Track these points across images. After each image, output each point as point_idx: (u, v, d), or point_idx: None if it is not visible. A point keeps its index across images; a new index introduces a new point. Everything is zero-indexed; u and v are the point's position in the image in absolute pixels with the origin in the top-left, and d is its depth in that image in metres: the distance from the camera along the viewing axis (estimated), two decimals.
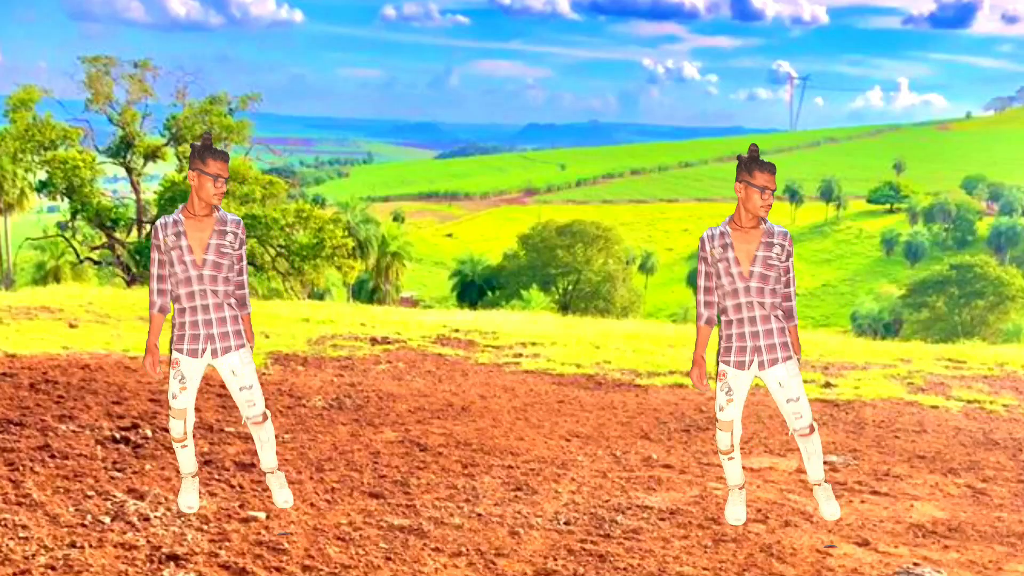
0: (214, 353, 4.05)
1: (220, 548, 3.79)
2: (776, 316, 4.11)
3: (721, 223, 4.15)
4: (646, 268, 78.26)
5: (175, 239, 4.01)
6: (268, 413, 4.27)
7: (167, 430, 5.47)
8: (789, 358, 4.13)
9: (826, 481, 4.47)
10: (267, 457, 4.36)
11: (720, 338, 4.19)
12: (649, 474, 5.34)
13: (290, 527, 4.11)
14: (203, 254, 4.01)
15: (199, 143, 4.06)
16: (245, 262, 4.19)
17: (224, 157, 4.04)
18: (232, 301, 4.10)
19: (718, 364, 4.18)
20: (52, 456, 4.85)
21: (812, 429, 4.22)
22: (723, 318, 4.15)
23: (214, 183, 3.98)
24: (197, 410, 5.06)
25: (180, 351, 4.04)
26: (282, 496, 4.38)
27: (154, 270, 4.07)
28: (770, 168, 4.03)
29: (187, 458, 4.23)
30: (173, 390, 4.07)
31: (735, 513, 4.44)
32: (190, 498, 4.23)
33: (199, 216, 4.03)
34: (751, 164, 4.03)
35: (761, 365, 4.11)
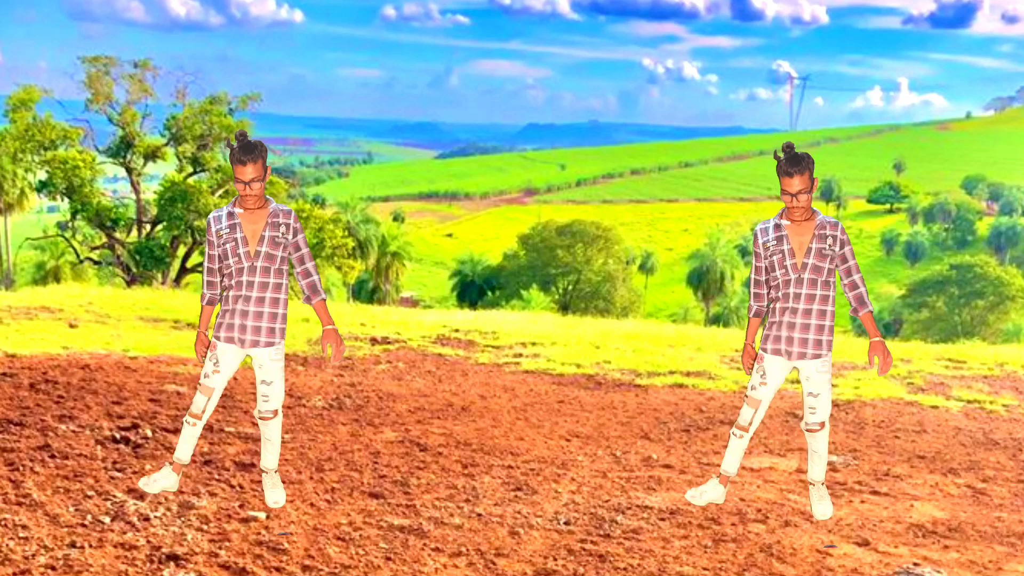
0: (243, 343, 4.14)
1: (220, 548, 3.79)
2: (822, 311, 4.21)
3: (775, 216, 4.29)
4: (646, 268, 78.21)
5: (229, 231, 4.10)
6: (280, 412, 4.32)
7: (167, 430, 5.49)
8: (819, 356, 4.24)
9: (823, 484, 4.52)
10: (269, 456, 4.39)
11: (765, 324, 4.35)
12: (649, 474, 5.34)
13: (290, 527, 4.11)
14: (257, 246, 4.09)
15: (230, 147, 4.08)
16: (307, 250, 4.22)
17: (253, 158, 4.00)
18: (282, 296, 4.15)
19: (760, 348, 4.34)
20: (52, 456, 4.84)
21: (822, 426, 4.35)
22: (771, 307, 4.30)
23: (244, 187, 4.03)
24: None
25: (219, 338, 4.15)
26: (273, 496, 4.39)
27: (207, 264, 4.20)
28: (798, 170, 4.08)
29: (189, 441, 4.26)
30: (206, 370, 4.17)
31: (699, 492, 4.58)
32: (159, 483, 4.26)
33: (251, 209, 4.11)
34: (779, 169, 4.13)
35: (791, 355, 4.25)
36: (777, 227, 4.24)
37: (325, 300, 4.31)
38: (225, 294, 4.15)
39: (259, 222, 4.10)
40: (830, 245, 4.18)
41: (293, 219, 4.16)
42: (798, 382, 4.60)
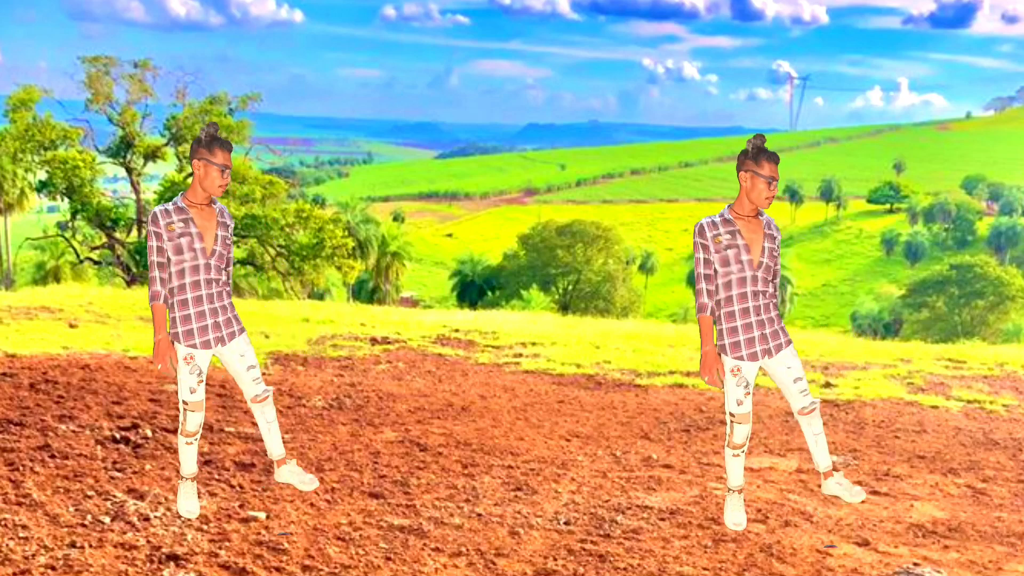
0: (221, 341, 4.08)
1: (220, 548, 3.79)
2: (774, 304, 4.15)
3: (718, 212, 4.13)
4: (646, 268, 78.27)
5: (183, 226, 3.98)
6: (271, 389, 4.36)
7: (167, 430, 5.48)
8: (790, 341, 4.20)
9: (834, 470, 4.50)
10: (274, 442, 4.42)
11: (723, 332, 4.11)
12: (649, 474, 5.34)
13: (290, 527, 4.11)
14: (213, 244, 4.03)
15: (207, 133, 4.03)
16: (232, 252, 4.23)
17: (229, 147, 4.04)
18: (228, 288, 4.16)
19: (728, 359, 4.11)
20: (52, 456, 4.84)
21: (816, 404, 4.30)
22: (725, 310, 4.08)
23: (221, 173, 3.98)
24: None
25: (194, 345, 4.01)
26: (305, 480, 4.46)
27: (154, 258, 3.99)
28: (775, 159, 4.03)
29: (191, 457, 4.23)
30: (190, 384, 4.04)
31: (735, 517, 4.39)
32: (190, 503, 4.18)
33: (201, 205, 4.03)
34: (759, 154, 4.01)
35: (769, 353, 4.13)
36: (727, 222, 4.06)
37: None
38: (180, 298, 3.98)
39: (210, 219, 4.03)
40: (777, 245, 4.11)
41: (231, 219, 4.17)
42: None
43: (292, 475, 4.49)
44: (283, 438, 5.58)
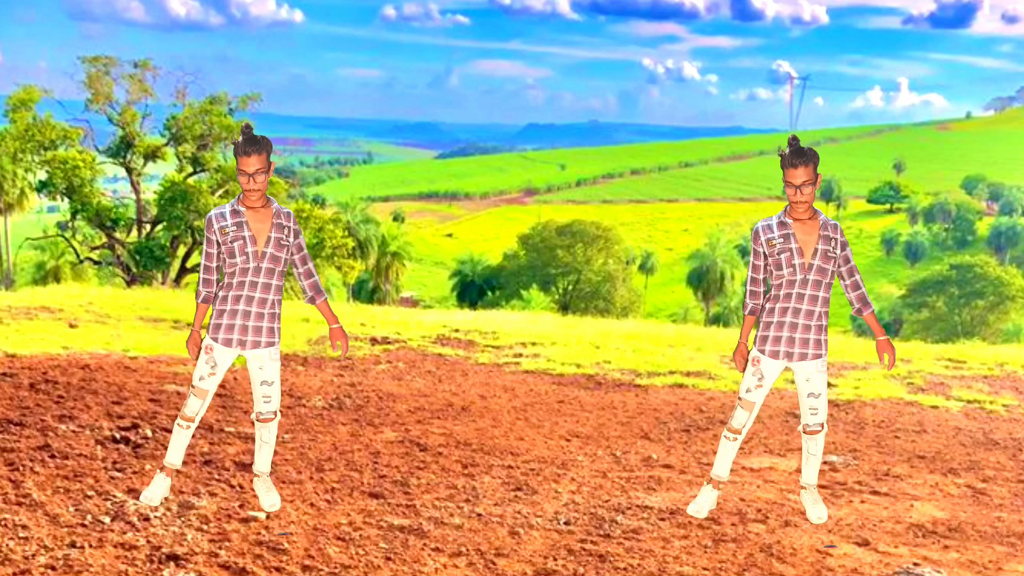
0: (243, 345, 4.10)
1: (220, 548, 3.79)
2: (822, 312, 4.18)
3: (776, 215, 4.21)
4: (646, 268, 78.21)
5: (236, 229, 4.02)
6: (279, 415, 4.33)
7: (167, 430, 5.48)
8: (819, 356, 4.21)
9: (816, 487, 4.52)
10: (263, 459, 4.38)
11: (759, 325, 4.26)
12: (649, 474, 5.34)
13: (290, 527, 4.11)
14: (264, 246, 4.05)
15: (236, 138, 4.05)
16: (307, 251, 4.24)
17: (257, 150, 3.96)
18: (278, 298, 4.15)
19: (754, 349, 4.27)
20: (52, 456, 4.84)
21: (822, 427, 4.34)
22: (770, 305, 4.20)
23: (248, 179, 3.98)
24: None
25: (216, 339, 4.09)
26: (269, 500, 4.35)
27: (207, 262, 4.10)
28: (802, 162, 4.04)
29: (180, 445, 4.23)
30: (201, 372, 4.12)
31: (698, 506, 4.52)
32: (156, 491, 4.21)
33: (255, 207, 4.06)
34: (783, 163, 4.08)
35: (791, 357, 4.20)
36: (782, 224, 4.16)
37: (327, 299, 4.32)
38: (223, 294, 4.08)
39: (264, 222, 4.06)
40: (833, 247, 4.16)
41: (293, 221, 4.16)
42: (791, 382, 4.57)
43: (261, 488, 4.40)
44: (283, 438, 5.60)
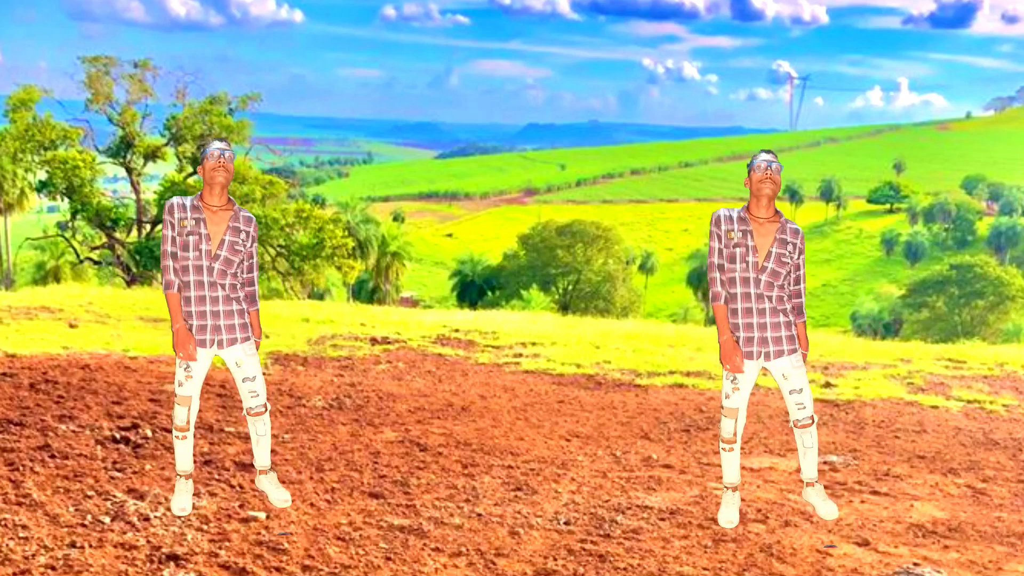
0: (219, 344, 4.08)
1: (220, 548, 3.79)
2: (782, 310, 4.14)
3: (738, 208, 4.18)
4: (646, 268, 78.22)
5: (195, 224, 4.02)
6: (268, 406, 4.33)
7: (167, 430, 5.48)
8: (794, 351, 4.18)
9: (819, 481, 4.51)
10: (262, 454, 4.38)
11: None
12: (649, 474, 5.34)
13: (290, 527, 4.11)
14: (217, 248, 4.03)
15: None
16: (256, 259, 4.23)
17: (228, 142, 4.08)
18: (240, 295, 4.13)
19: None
20: (52, 456, 4.84)
21: (812, 420, 4.30)
22: (730, 306, 4.14)
23: (219, 158, 4.00)
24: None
25: None
26: (279, 496, 4.37)
27: (167, 247, 4.05)
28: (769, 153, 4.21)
29: (185, 454, 4.23)
30: (179, 378, 4.11)
31: (727, 515, 4.43)
32: (183, 500, 4.20)
33: (214, 208, 4.05)
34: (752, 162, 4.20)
35: (767, 356, 4.16)
36: (742, 219, 4.12)
37: (258, 311, 4.28)
38: (185, 294, 4.03)
39: (221, 224, 4.04)
40: (790, 252, 4.11)
41: (253, 228, 4.15)
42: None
43: (269, 486, 4.42)
44: (283, 438, 5.60)
